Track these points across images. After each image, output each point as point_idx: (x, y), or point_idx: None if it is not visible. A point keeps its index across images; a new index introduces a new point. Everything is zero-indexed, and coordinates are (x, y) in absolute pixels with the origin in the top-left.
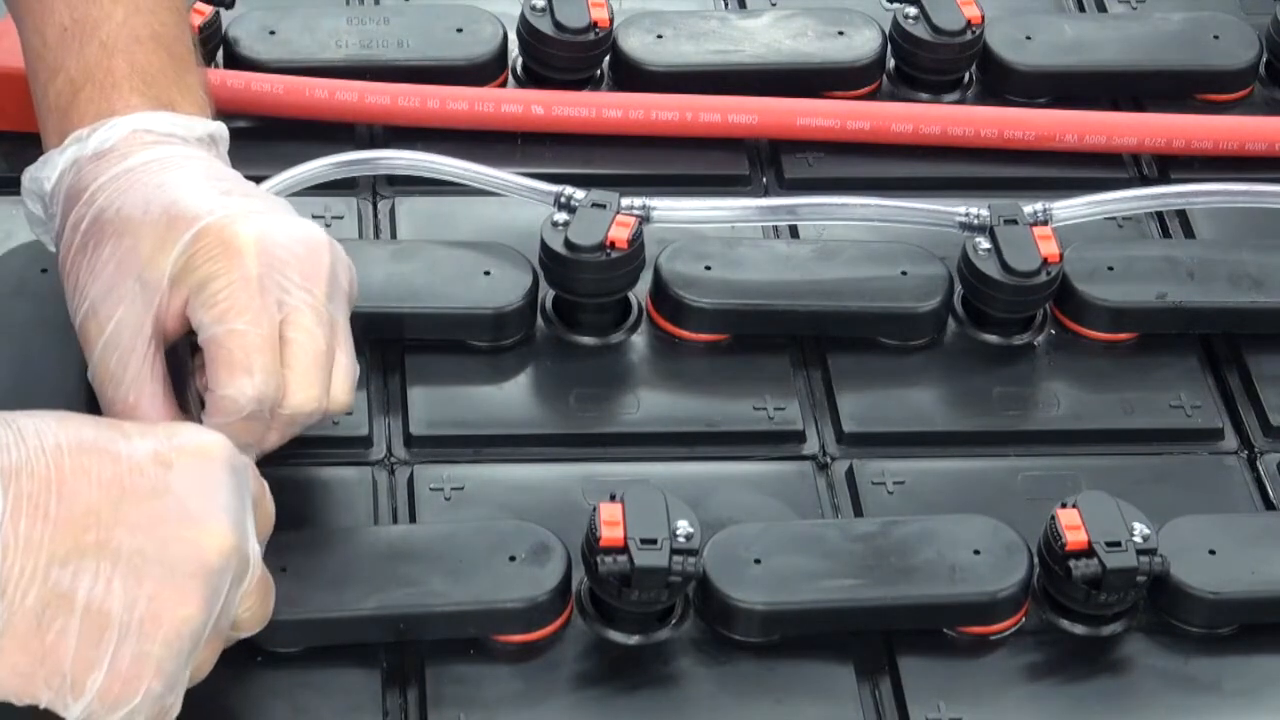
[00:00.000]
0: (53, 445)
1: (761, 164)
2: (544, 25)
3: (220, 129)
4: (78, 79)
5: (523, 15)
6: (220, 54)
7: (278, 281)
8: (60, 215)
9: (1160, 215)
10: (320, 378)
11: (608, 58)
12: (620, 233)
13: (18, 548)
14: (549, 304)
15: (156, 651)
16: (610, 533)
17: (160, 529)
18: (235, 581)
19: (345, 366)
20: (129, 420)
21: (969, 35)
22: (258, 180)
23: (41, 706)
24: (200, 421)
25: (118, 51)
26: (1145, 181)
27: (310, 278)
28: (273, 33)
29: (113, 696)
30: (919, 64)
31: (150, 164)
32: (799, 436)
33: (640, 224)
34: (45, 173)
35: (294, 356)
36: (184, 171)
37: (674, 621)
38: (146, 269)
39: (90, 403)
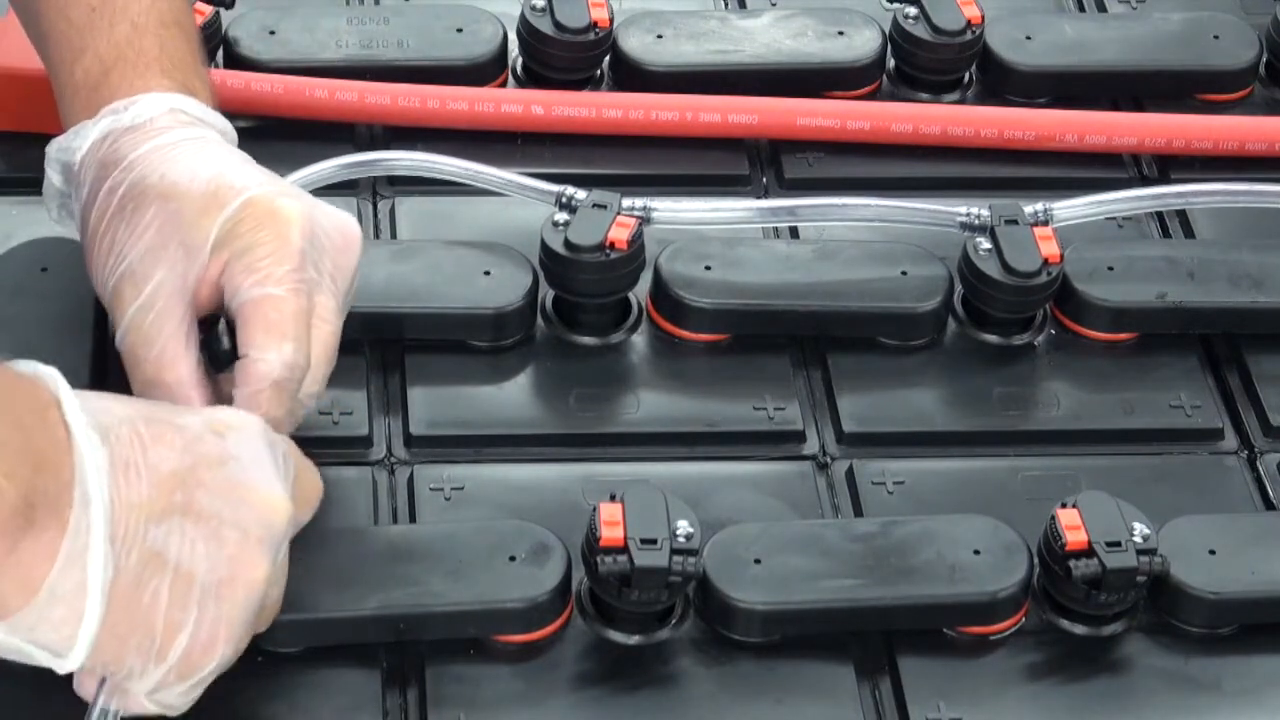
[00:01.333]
0: (124, 414)
1: (761, 164)
2: (544, 25)
3: (230, 128)
4: (107, 57)
5: (523, 15)
6: (220, 54)
7: (314, 262)
8: (91, 182)
9: (1160, 215)
10: (328, 367)
11: (608, 58)
12: (620, 233)
13: (121, 505)
14: (549, 304)
15: (232, 614)
16: (610, 533)
17: (232, 493)
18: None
19: (333, 363)
20: (156, 382)
21: (969, 35)
22: None
23: (120, 676)
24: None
25: (148, 33)
26: (1145, 181)
27: (340, 269)
28: (273, 33)
29: (192, 661)
30: (919, 64)
31: (192, 140)
32: (799, 436)
33: (640, 225)
34: (76, 143)
35: (314, 342)
36: (225, 150)
37: (674, 621)
38: (190, 233)
39: None
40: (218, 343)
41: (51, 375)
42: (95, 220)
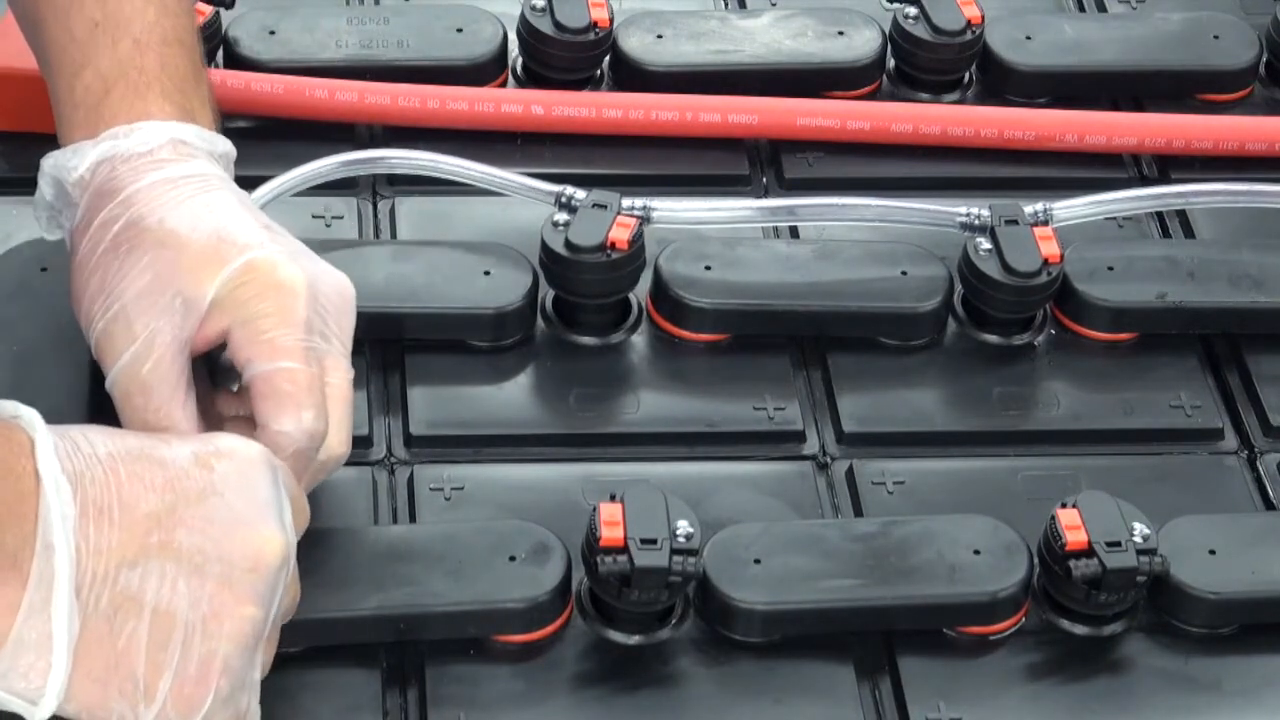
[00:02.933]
0: (105, 453)
1: (761, 164)
2: (544, 25)
3: (231, 149)
4: (109, 75)
5: (523, 15)
6: (220, 54)
7: (320, 328)
8: (86, 209)
9: (1160, 215)
10: (350, 426)
11: (608, 58)
12: (621, 234)
13: (89, 552)
14: (549, 304)
15: (222, 649)
16: (610, 533)
17: (214, 529)
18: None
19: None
20: (154, 428)
21: (969, 35)
22: (259, 181)
23: None
24: None
25: (150, 50)
26: (1145, 181)
27: (343, 327)
28: (273, 33)
29: (185, 700)
30: (919, 64)
31: (192, 179)
32: (799, 436)
33: (641, 225)
34: (73, 162)
35: (331, 404)
36: (225, 196)
37: (674, 621)
38: (189, 285)
39: (92, 402)
40: (223, 357)
41: (30, 419)
42: (86, 251)
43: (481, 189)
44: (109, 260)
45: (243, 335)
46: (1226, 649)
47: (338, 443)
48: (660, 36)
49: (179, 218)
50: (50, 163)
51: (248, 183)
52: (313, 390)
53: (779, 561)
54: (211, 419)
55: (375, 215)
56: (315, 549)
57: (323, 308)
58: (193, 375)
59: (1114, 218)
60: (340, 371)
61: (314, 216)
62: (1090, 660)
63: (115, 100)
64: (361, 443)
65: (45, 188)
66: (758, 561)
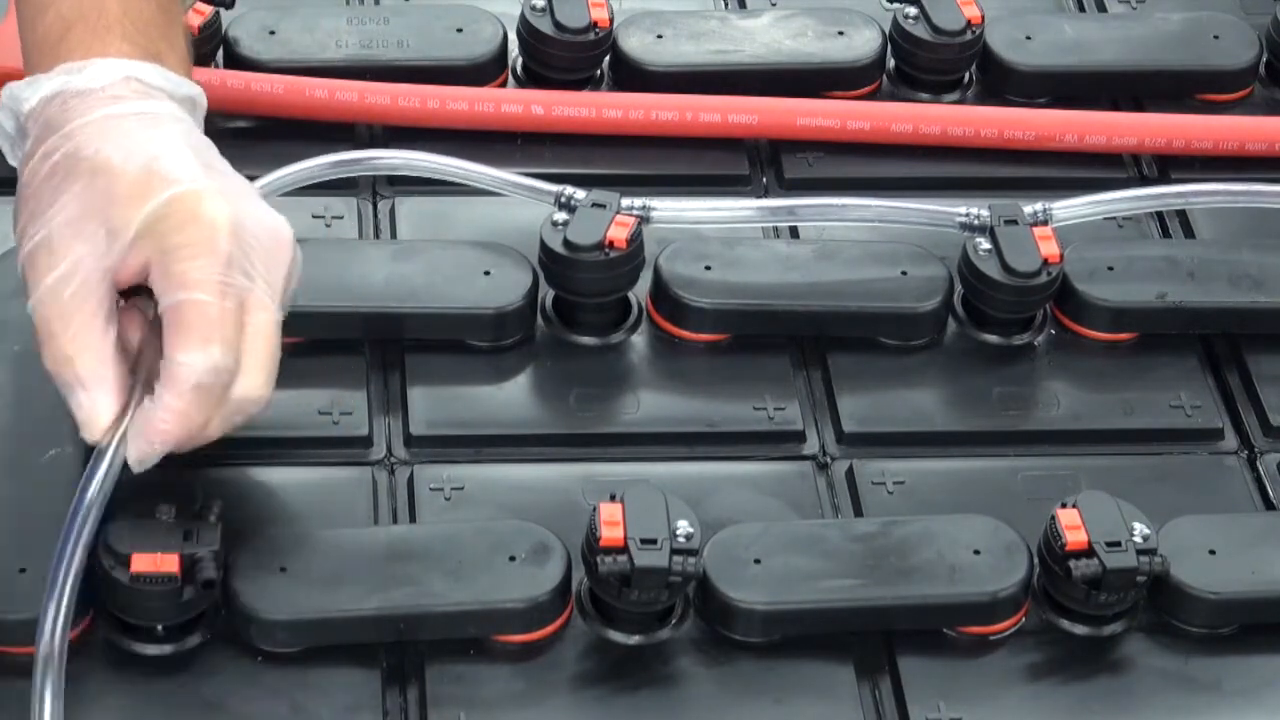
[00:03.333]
0: None
1: (761, 164)
2: (544, 25)
3: (200, 93)
4: (69, 16)
5: (523, 15)
6: (220, 54)
7: (242, 266)
8: (33, 141)
9: (1160, 215)
10: (272, 368)
11: (608, 58)
12: (619, 233)
13: None
14: (549, 304)
15: None
16: (610, 533)
17: None
18: None
19: (277, 363)
20: (71, 359)
21: (969, 35)
22: (253, 180)
23: None
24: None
25: None
26: (1145, 181)
27: (271, 269)
28: (273, 33)
29: None
30: (919, 64)
31: (143, 116)
32: (799, 436)
33: (639, 224)
34: (28, 93)
35: (250, 342)
36: (168, 132)
37: (674, 621)
38: (114, 217)
39: None
40: None
41: None
42: (27, 180)
43: (481, 189)
44: (44, 189)
45: (159, 267)
46: (1226, 649)
47: (255, 385)
48: (660, 36)
49: (113, 149)
50: (7, 94)
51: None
52: (223, 324)
53: (779, 561)
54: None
55: (375, 215)
56: (315, 549)
57: (249, 245)
58: (114, 308)
59: (1114, 218)
60: (264, 311)
61: (314, 216)
62: (1090, 660)
63: (73, 41)
64: (361, 443)
65: (5, 120)
66: (758, 561)
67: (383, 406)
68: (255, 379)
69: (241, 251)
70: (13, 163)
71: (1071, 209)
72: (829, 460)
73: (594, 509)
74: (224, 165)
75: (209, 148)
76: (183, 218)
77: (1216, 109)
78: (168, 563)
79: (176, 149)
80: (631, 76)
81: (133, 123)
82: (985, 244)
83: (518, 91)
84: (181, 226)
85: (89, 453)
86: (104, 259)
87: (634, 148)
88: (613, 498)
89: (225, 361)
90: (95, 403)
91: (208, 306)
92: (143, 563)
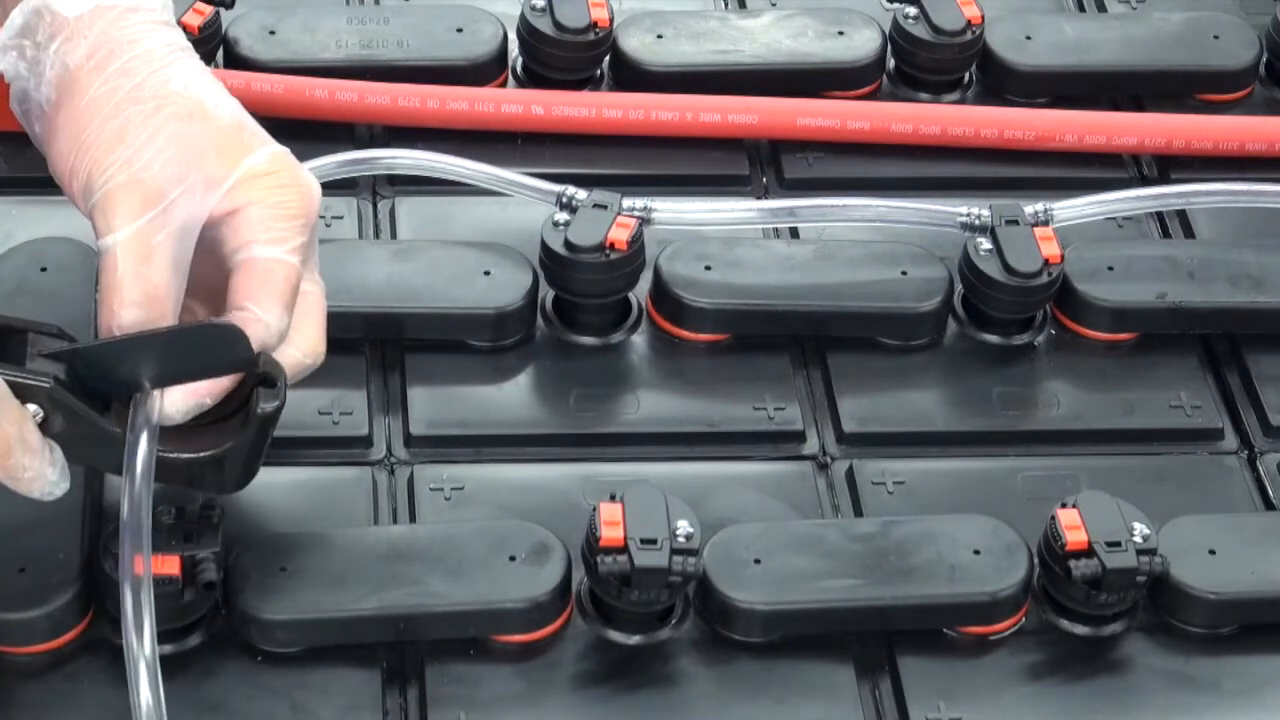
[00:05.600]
0: None
1: (761, 164)
2: (544, 25)
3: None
4: None
5: (523, 15)
6: (220, 54)
7: (313, 239)
8: (92, 48)
9: (1160, 215)
10: (323, 338)
11: (608, 58)
12: (620, 234)
13: None
14: (549, 304)
15: None
16: (610, 533)
17: None
18: None
19: None
20: (144, 302)
21: (969, 35)
22: None
23: None
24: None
25: None
26: (1145, 181)
27: (316, 241)
28: (273, 33)
29: None
30: (919, 64)
31: (189, 50)
32: (799, 436)
33: (641, 225)
34: None
35: (309, 308)
36: (213, 78)
37: (674, 621)
38: (215, 167)
39: None
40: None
41: None
42: (102, 94)
43: (481, 189)
44: (133, 112)
45: (257, 216)
46: (1226, 649)
47: (312, 351)
48: (660, 36)
49: (203, 91)
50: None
51: None
52: (295, 291)
53: (779, 561)
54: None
55: (375, 215)
56: (315, 549)
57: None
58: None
59: (1114, 218)
60: (317, 284)
61: None
62: (1090, 660)
63: None
64: (361, 443)
65: (19, 16)
66: (758, 561)
67: (383, 406)
68: (312, 344)
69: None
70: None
71: (1072, 209)
72: (829, 460)
73: (594, 509)
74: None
75: None
76: (285, 179)
77: (1216, 109)
78: (168, 564)
79: (236, 104)
80: (631, 76)
81: (194, 60)
82: (986, 244)
83: (518, 91)
84: (287, 188)
85: None
86: (199, 208)
87: (634, 148)
88: (613, 498)
89: (285, 327)
90: None
91: (292, 270)
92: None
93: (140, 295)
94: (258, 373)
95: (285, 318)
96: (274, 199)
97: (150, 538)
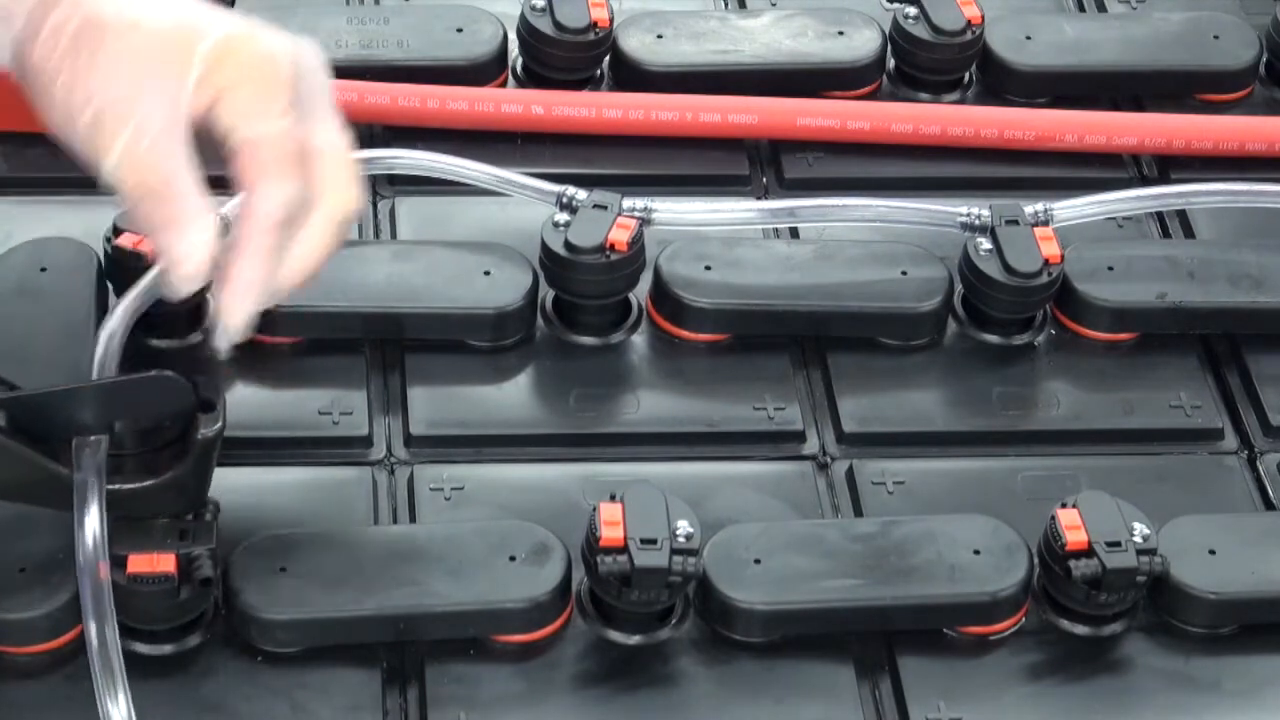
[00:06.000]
0: None
1: (761, 164)
2: (544, 25)
3: None
4: None
5: (523, 15)
6: None
7: (306, 94)
8: (31, 13)
9: (1160, 215)
10: (356, 180)
11: (608, 58)
12: (620, 235)
13: None
14: (549, 304)
15: None
16: (610, 533)
17: None
18: None
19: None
20: (165, 197)
21: (969, 35)
22: None
23: None
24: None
25: None
26: (1145, 181)
27: (326, 91)
28: None
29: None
30: (919, 64)
31: None
32: (799, 436)
33: (641, 226)
34: None
35: (331, 161)
36: None
37: (674, 621)
38: (167, 69)
39: None
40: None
41: None
42: (42, 57)
43: (481, 189)
44: (72, 60)
45: (229, 103)
46: (1226, 649)
47: (341, 208)
48: (660, 36)
49: (135, 6)
50: None
51: None
52: (297, 158)
53: (779, 561)
54: None
55: (375, 215)
56: (315, 549)
57: (308, 70)
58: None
59: (1114, 218)
60: (333, 131)
61: None
62: (1090, 660)
63: None
64: (361, 443)
65: None
66: (758, 561)
67: (383, 406)
68: (349, 194)
69: (303, 80)
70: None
71: (1073, 209)
72: (829, 460)
73: (594, 509)
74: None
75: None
76: (245, 56)
77: (1216, 109)
78: (164, 562)
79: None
80: (631, 76)
81: None
82: (986, 244)
83: (518, 91)
84: (247, 64)
85: None
86: (174, 108)
87: (634, 148)
88: (613, 498)
89: (299, 192)
90: (193, 235)
91: (276, 139)
92: (139, 563)
93: (151, 191)
94: (197, 398)
95: (287, 186)
96: (233, 79)
97: (108, 582)
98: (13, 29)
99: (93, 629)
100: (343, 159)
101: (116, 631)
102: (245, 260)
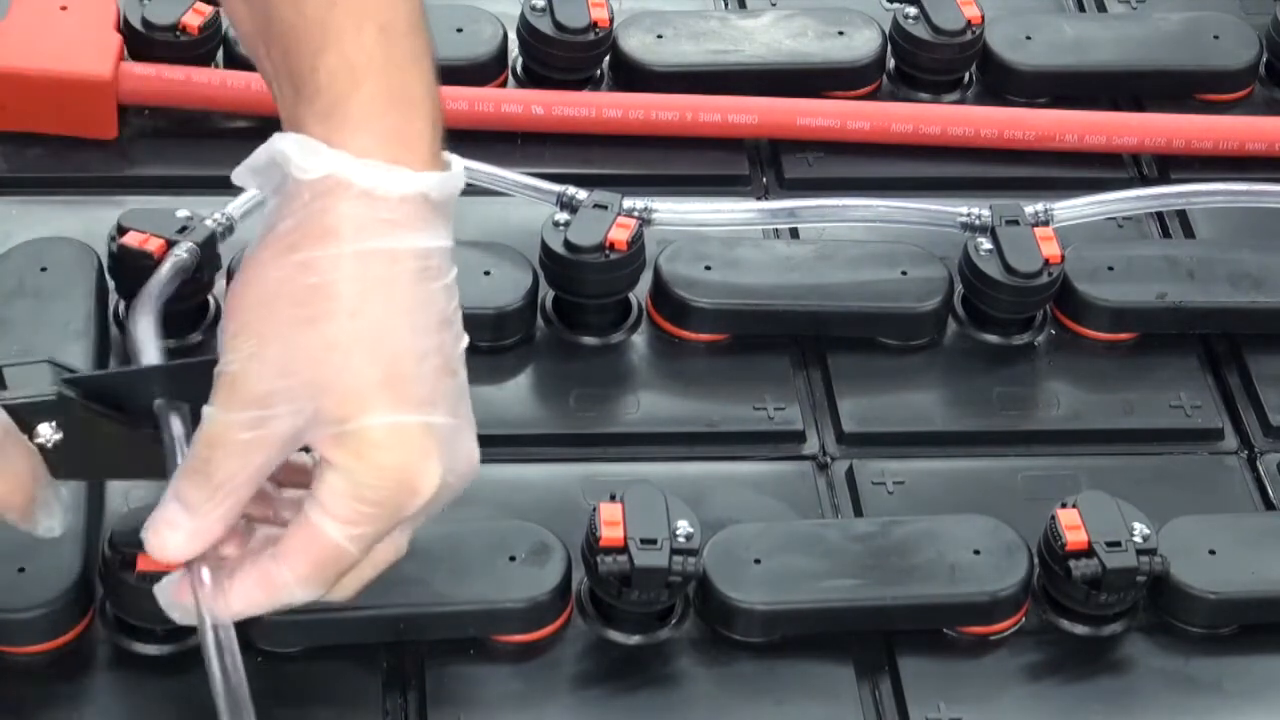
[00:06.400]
0: None
1: (761, 164)
2: (544, 25)
3: (455, 187)
4: (356, 63)
5: (523, 15)
6: (220, 54)
7: (413, 520)
8: (291, 223)
9: (1160, 215)
10: (358, 588)
11: (608, 58)
12: (620, 234)
13: None
14: (549, 304)
15: None
16: (610, 533)
17: None
18: None
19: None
20: (194, 486)
21: (969, 35)
22: None
23: None
24: None
25: (399, 40)
26: (1145, 181)
27: (439, 508)
28: None
29: None
30: (919, 64)
31: (417, 270)
32: (799, 436)
33: (641, 226)
34: (309, 162)
35: (360, 569)
36: (430, 297)
37: (674, 621)
38: (330, 410)
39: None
40: None
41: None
42: (270, 264)
43: (482, 189)
44: (281, 308)
45: (333, 484)
46: (1226, 649)
47: (311, 592)
48: (660, 36)
49: (372, 319)
50: (286, 144)
51: None
52: (338, 574)
53: (779, 561)
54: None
55: None
56: None
57: (433, 504)
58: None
59: (1114, 218)
60: (394, 548)
61: None
62: (1090, 660)
63: (365, 99)
64: None
65: (262, 155)
66: (758, 561)
67: None
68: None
69: (419, 513)
70: (250, 186)
71: (1073, 209)
72: (829, 460)
73: (594, 509)
74: (459, 353)
75: (457, 310)
76: (390, 464)
77: (1216, 109)
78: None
79: (426, 339)
80: (631, 76)
81: (406, 278)
82: (986, 244)
83: (518, 91)
84: (384, 472)
85: None
86: (292, 439)
87: (634, 148)
88: (613, 498)
89: (309, 598)
90: (184, 535)
91: (337, 557)
92: (148, 562)
93: (200, 475)
94: None
95: (311, 592)
96: (363, 478)
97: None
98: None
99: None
100: (369, 573)
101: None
102: (280, 572)
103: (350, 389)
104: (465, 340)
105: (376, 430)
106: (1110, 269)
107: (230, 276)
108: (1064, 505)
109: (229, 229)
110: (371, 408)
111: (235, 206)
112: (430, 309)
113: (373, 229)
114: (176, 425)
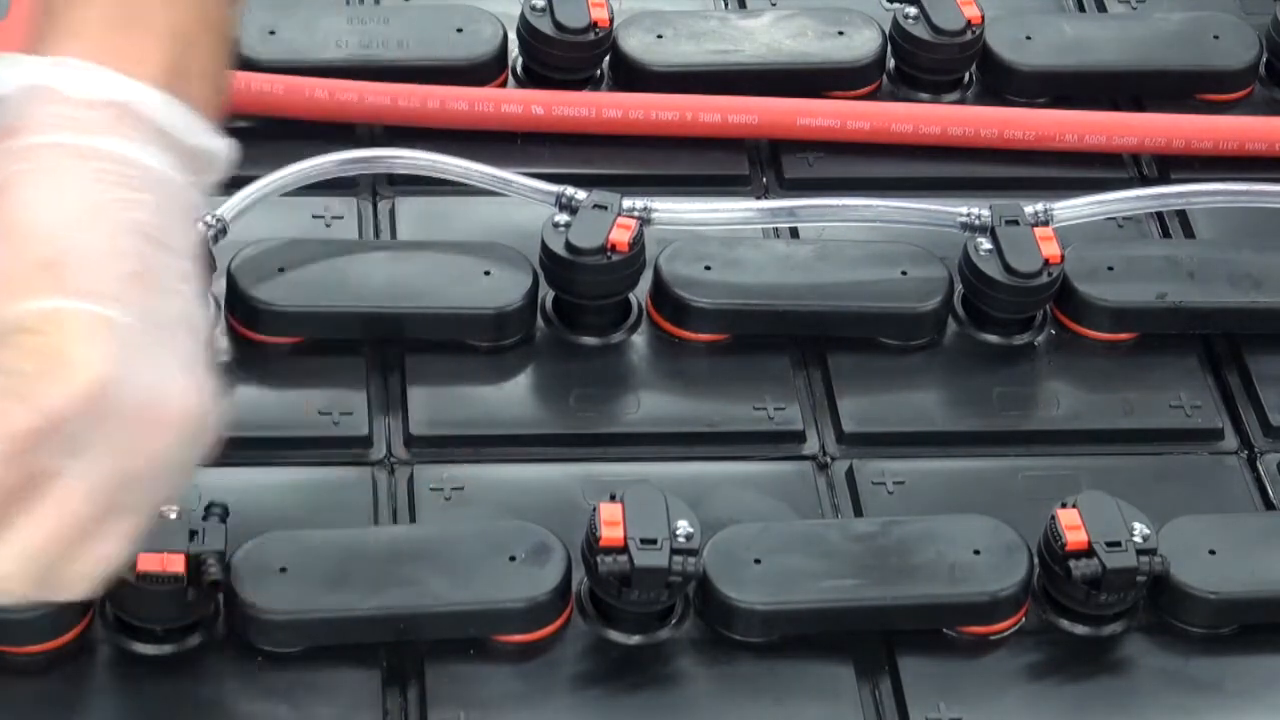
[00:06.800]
0: None
1: (761, 164)
2: (544, 25)
3: (220, 150)
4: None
5: (523, 15)
6: None
7: (74, 435)
8: None
9: (1160, 215)
10: (38, 567)
11: (608, 58)
12: (621, 235)
13: None
14: (549, 304)
15: None
16: (610, 533)
17: None
18: None
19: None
20: None
21: (969, 35)
22: (255, 180)
23: None
24: None
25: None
26: (1145, 181)
27: (122, 450)
28: (273, 33)
29: None
30: (919, 64)
31: (104, 170)
32: (799, 436)
33: (641, 226)
34: (6, 74)
35: (24, 522)
36: (122, 202)
37: (674, 621)
38: None
39: None
40: None
41: None
42: None
43: (482, 189)
44: None
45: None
46: (1226, 649)
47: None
48: (660, 36)
49: (41, 211)
50: None
51: (248, 184)
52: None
53: (779, 561)
54: None
55: (375, 215)
56: (315, 549)
57: (104, 412)
58: None
59: (1114, 218)
60: (68, 501)
61: (314, 216)
62: (1090, 660)
63: (87, 16)
64: (361, 443)
65: None
66: (758, 561)
67: (383, 406)
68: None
69: (87, 419)
70: None
71: (1073, 209)
72: (829, 460)
73: (594, 509)
74: (174, 275)
75: (174, 236)
76: (45, 346)
77: (1216, 109)
78: (173, 563)
79: (107, 239)
80: (631, 76)
81: (88, 176)
82: (986, 244)
83: (518, 91)
84: (35, 353)
85: None
86: None
87: (634, 148)
88: (613, 498)
89: None
90: None
91: None
92: (149, 562)
93: None
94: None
95: None
96: (5, 360)
97: None
98: None
99: None
100: (38, 529)
101: None
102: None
103: (12, 277)
104: (194, 282)
105: (31, 316)
106: (1110, 269)
107: (228, 278)
108: (1064, 505)
109: (222, 231)
110: (28, 292)
111: (228, 208)
112: (121, 214)
113: (55, 124)
114: None
